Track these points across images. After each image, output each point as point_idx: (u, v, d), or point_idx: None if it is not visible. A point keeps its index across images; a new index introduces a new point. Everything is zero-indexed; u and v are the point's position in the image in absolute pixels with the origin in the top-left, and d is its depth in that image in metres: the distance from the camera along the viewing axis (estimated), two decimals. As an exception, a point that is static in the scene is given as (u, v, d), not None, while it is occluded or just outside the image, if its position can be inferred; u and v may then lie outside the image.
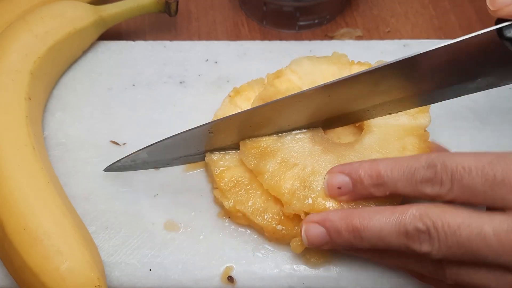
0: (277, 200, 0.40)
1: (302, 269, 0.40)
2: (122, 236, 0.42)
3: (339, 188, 0.37)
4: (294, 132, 0.42)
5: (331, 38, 0.57)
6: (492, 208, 0.32)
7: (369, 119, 0.42)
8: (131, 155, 0.43)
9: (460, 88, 0.38)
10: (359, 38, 0.57)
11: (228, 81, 0.50)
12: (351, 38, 0.57)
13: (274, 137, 0.42)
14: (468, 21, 0.58)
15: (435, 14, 0.59)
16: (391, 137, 0.41)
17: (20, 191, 0.39)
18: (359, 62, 0.46)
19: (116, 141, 0.47)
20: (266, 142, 0.41)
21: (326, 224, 0.36)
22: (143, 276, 0.40)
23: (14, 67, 0.45)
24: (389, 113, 0.42)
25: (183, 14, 0.59)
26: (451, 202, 0.33)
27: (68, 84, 0.51)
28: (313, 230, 0.36)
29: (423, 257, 0.34)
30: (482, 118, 0.48)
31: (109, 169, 0.44)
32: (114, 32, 0.56)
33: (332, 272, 0.40)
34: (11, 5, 0.52)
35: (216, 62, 0.52)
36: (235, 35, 0.58)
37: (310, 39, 0.56)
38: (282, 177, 0.39)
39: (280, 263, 0.41)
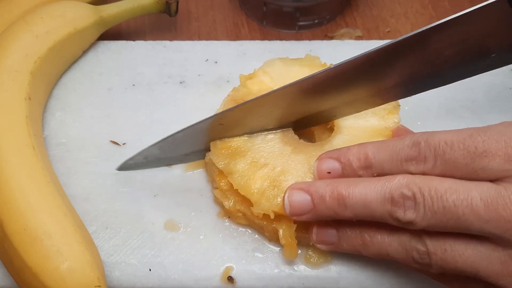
0: (247, 203, 0.40)
1: (302, 269, 0.40)
2: (122, 236, 0.42)
3: (329, 172, 0.37)
4: (265, 132, 0.42)
5: (331, 38, 0.57)
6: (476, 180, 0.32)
7: (349, 114, 0.42)
8: (143, 152, 0.43)
9: (473, 66, 0.37)
10: (359, 38, 0.57)
11: (228, 81, 0.50)
12: (351, 38, 0.57)
13: (245, 138, 0.42)
14: (468, 21, 0.58)
15: (435, 14, 0.59)
16: (360, 138, 0.41)
17: (20, 191, 0.39)
18: (331, 64, 0.46)
19: (116, 141, 0.47)
20: (237, 142, 0.42)
21: (311, 190, 0.36)
22: (143, 276, 0.40)
23: (14, 67, 0.45)
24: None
25: (183, 14, 0.59)
26: None
27: (68, 84, 0.51)
28: (296, 196, 0.36)
29: (406, 235, 0.34)
30: (481, 118, 0.48)
31: (121, 167, 0.44)
32: (114, 32, 0.56)
33: (332, 272, 0.40)
34: (11, 5, 0.52)
35: (216, 62, 0.52)
36: (235, 35, 0.58)
37: (310, 39, 0.56)
38: (251, 177, 0.39)
39: (280, 263, 0.41)
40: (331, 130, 0.43)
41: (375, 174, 0.35)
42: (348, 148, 0.37)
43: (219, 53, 0.53)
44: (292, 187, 0.37)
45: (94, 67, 0.52)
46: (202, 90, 0.50)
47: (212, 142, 0.42)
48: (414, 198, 0.32)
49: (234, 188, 0.40)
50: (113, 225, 0.42)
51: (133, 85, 0.50)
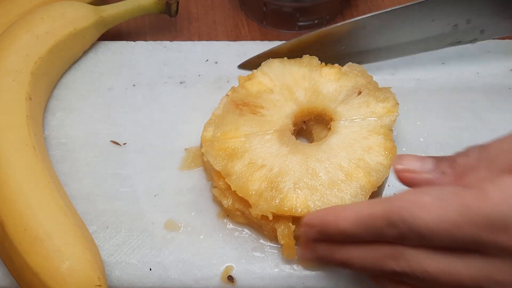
0: (245, 202, 0.40)
1: (302, 269, 0.40)
2: (122, 235, 0.42)
3: (315, 241, 0.36)
4: (261, 133, 0.42)
5: (331, 38, 0.57)
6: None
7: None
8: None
9: None
10: (359, 38, 0.57)
11: (228, 81, 0.50)
12: (351, 38, 0.57)
13: (242, 139, 0.42)
14: (468, 22, 0.58)
15: (435, 14, 0.59)
16: (357, 137, 0.42)
17: (20, 191, 0.39)
18: (329, 64, 0.46)
19: (116, 141, 0.47)
20: (234, 143, 0.42)
21: (317, 254, 0.36)
22: (143, 275, 0.40)
23: (15, 67, 0.45)
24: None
25: (183, 15, 0.59)
26: None
27: (69, 84, 0.51)
28: (306, 255, 0.37)
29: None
30: (481, 117, 0.48)
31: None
32: (114, 33, 0.56)
33: (332, 272, 0.40)
34: (12, 5, 0.52)
35: (216, 62, 0.52)
36: (235, 35, 0.58)
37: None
38: (249, 179, 0.40)
39: (280, 262, 0.41)
40: (329, 129, 0.43)
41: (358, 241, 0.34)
42: (325, 220, 0.34)
43: (219, 53, 0.53)
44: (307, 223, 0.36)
45: (94, 67, 0.52)
46: (202, 90, 0.50)
47: (209, 142, 0.42)
48: (406, 275, 0.31)
49: (232, 190, 0.40)
50: (113, 225, 0.42)
51: (133, 85, 0.51)
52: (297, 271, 0.40)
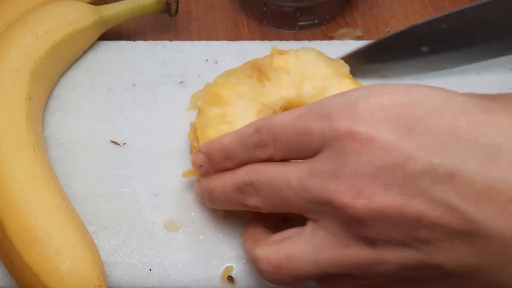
0: None
1: (302, 269, 0.40)
2: (122, 236, 0.42)
3: (200, 166, 0.39)
4: (250, 99, 0.44)
5: (331, 38, 0.57)
6: None
7: None
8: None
9: None
10: (359, 38, 0.57)
11: (228, 81, 0.50)
12: (351, 38, 0.57)
13: (233, 94, 0.44)
14: (468, 21, 0.58)
15: (435, 14, 0.59)
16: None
17: (20, 191, 0.39)
18: (355, 79, 0.46)
19: (116, 141, 0.47)
20: (225, 93, 0.44)
21: (200, 182, 0.40)
22: (143, 276, 0.40)
23: (14, 67, 0.45)
24: None
25: (183, 14, 0.59)
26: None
27: (68, 84, 0.51)
28: (197, 160, 0.39)
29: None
30: (482, 118, 0.48)
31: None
32: (114, 32, 0.56)
33: (332, 272, 0.40)
34: (11, 6, 0.52)
35: (216, 62, 0.52)
36: (235, 35, 0.58)
37: (310, 39, 0.56)
38: (212, 126, 0.42)
39: (280, 263, 0.41)
40: None
41: (235, 164, 0.37)
42: (213, 139, 0.38)
43: (219, 53, 0.53)
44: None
45: (94, 67, 0.52)
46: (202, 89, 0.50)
47: (208, 85, 0.45)
48: (253, 184, 0.34)
49: (195, 128, 0.43)
50: (113, 225, 0.42)
51: (133, 85, 0.50)
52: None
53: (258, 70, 0.46)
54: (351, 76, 0.45)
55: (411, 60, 0.50)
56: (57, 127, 0.48)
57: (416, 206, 0.28)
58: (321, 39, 0.56)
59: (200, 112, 0.44)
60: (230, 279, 0.40)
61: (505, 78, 0.51)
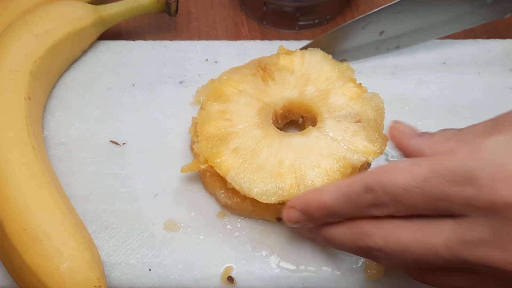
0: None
1: (302, 269, 0.40)
2: (122, 236, 0.42)
3: (297, 222, 0.37)
4: (252, 97, 0.44)
5: (331, 38, 0.57)
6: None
7: None
8: None
9: None
10: (359, 38, 0.57)
11: (228, 81, 0.50)
12: (351, 38, 0.57)
13: (236, 91, 0.45)
14: (468, 21, 0.58)
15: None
16: (318, 150, 0.41)
17: (20, 191, 0.39)
18: (359, 84, 0.45)
19: (116, 141, 0.47)
20: (228, 90, 0.45)
21: (304, 221, 0.37)
22: (143, 276, 0.40)
23: (14, 67, 0.45)
24: None
25: (183, 14, 0.59)
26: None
27: (68, 84, 0.51)
28: (292, 218, 0.37)
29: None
30: (481, 117, 0.48)
31: None
32: (114, 32, 0.56)
33: (332, 272, 0.40)
34: (11, 5, 0.52)
35: (216, 62, 0.52)
36: (235, 35, 0.58)
37: (310, 39, 0.56)
38: (210, 120, 0.43)
39: (280, 263, 0.40)
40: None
41: (343, 218, 0.35)
42: (307, 196, 0.36)
43: (219, 53, 0.53)
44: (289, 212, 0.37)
45: (94, 67, 0.52)
46: (193, 122, 0.50)
47: (212, 81, 0.46)
48: (381, 250, 0.32)
49: (196, 123, 0.43)
50: (113, 225, 0.42)
51: (133, 85, 0.50)
52: (297, 272, 0.40)
53: (262, 69, 0.46)
54: (355, 80, 0.45)
55: (369, 43, 0.51)
56: (57, 127, 0.48)
57: None
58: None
59: (202, 108, 0.44)
60: (230, 279, 0.40)
61: (505, 78, 0.51)
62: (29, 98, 0.44)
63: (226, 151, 0.41)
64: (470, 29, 0.52)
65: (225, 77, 0.45)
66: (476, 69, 0.51)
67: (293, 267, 0.40)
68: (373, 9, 0.59)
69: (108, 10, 0.52)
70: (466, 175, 0.30)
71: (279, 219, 0.41)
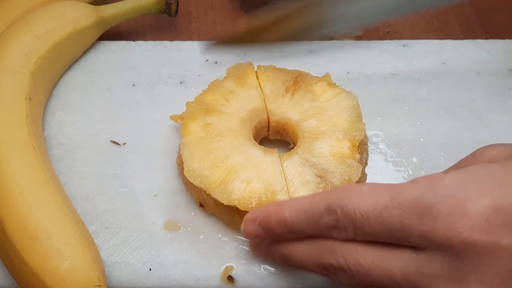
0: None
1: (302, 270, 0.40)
2: (122, 235, 0.42)
3: (255, 237, 0.36)
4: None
5: (331, 38, 0.57)
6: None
7: None
8: None
9: None
10: (358, 38, 0.57)
11: (228, 81, 0.50)
12: (350, 38, 0.57)
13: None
14: (468, 22, 0.58)
15: (435, 14, 0.59)
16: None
17: (20, 190, 0.39)
18: (354, 150, 0.42)
19: (116, 141, 0.47)
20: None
21: (263, 249, 0.38)
22: (143, 275, 0.40)
23: (14, 67, 0.45)
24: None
25: (183, 14, 0.59)
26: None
27: (69, 84, 0.51)
28: (251, 232, 0.37)
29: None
30: (481, 117, 0.48)
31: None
32: (114, 32, 0.56)
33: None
34: (11, 5, 0.52)
35: (216, 62, 0.52)
36: (235, 35, 0.57)
37: (310, 39, 0.56)
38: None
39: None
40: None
41: (302, 237, 0.35)
42: (267, 210, 0.35)
43: (219, 53, 0.52)
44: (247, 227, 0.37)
45: (94, 67, 0.52)
46: (202, 90, 0.50)
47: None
48: (342, 269, 0.32)
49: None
50: (113, 225, 0.42)
51: (133, 85, 0.50)
52: (297, 272, 0.40)
53: (295, 82, 0.45)
54: (356, 143, 0.42)
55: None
56: (57, 127, 0.48)
57: None
58: (321, 39, 0.56)
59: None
60: (230, 279, 0.40)
61: (505, 78, 0.51)
62: (30, 98, 0.44)
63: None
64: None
65: (262, 68, 0.46)
66: (476, 69, 0.51)
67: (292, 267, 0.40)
68: (373, 9, 0.59)
69: (108, 10, 0.52)
70: (425, 208, 0.30)
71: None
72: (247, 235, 0.37)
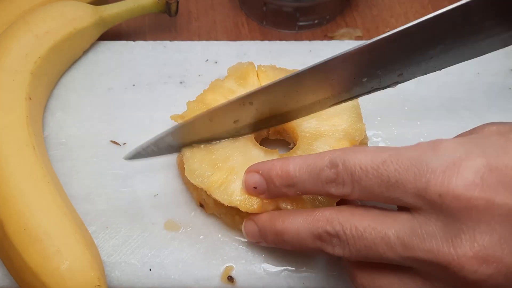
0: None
1: (302, 269, 0.40)
2: (122, 236, 0.42)
3: (255, 188, 0.37)
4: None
5: (331, 38, 0.57)
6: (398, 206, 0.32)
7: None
8: (154, 140, 0.42)
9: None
10: (359, 38, 0.57)
11: (228, 81, 0.50)
12: (351, 38, 0.57)
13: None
14: (468, 21, 0.58)
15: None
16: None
17: (20, 190, 0.39)
18: None
19: (116, 141, 0.47)
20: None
21: (258, 224, 0.38)
22: (143, 275, 0.40)
23: (14, 67, 0.45)
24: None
25: (183, 14, 0.59)
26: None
27: (69, 84, 0.51)
28: (248, 226, 0.39)
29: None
30: (481, 118, 0.48)
31: (131, 156, 0.42)
32: (114, 32, 0.56)
33: (332, 271, 0.40)
34: (11, 5, 0.52)
35: (216, 62, 0.52)
36: (235, 35, 0.58)
37: (310, 39, 0.56)
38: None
39: (280, 262, 0.41)
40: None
41: (298, 193, 0.36)
42: (272, 162, 0.36)
43: (219, 53, 0.53)
44: (247, 217, 0.39)
45: (94, 67, 0.52)
46: (202, 90, 0.50)
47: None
48: (338, 236, 0.33)
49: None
50: (113, 225, 0.42)
51: (133, 85, 0.50)
52: (297, 272, 0.40)
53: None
54: (355, 144, 0.41)
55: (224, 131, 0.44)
56: (57, 127, 0.48)
57: None
58: (321, 39, 0.56)
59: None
60: (230, 279, 0.40)
61: (505, 78, 0.51)
62: (30, 98, 0.44)
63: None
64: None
65: (263, 68, 0.46)
66: (476, 69, 0.51)
67: (293, 267, 0.40)
68: (372, 9, 0.60)
69: (108, 10, 0.52)
70: (422, 166, 0.30)
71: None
72: (247, 184, 0.38)
